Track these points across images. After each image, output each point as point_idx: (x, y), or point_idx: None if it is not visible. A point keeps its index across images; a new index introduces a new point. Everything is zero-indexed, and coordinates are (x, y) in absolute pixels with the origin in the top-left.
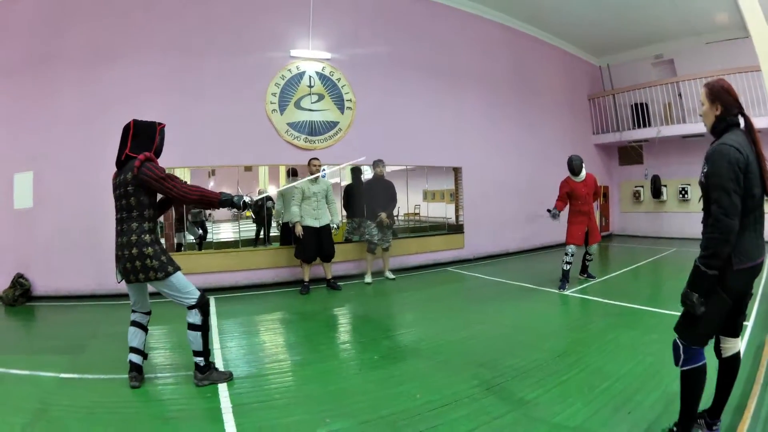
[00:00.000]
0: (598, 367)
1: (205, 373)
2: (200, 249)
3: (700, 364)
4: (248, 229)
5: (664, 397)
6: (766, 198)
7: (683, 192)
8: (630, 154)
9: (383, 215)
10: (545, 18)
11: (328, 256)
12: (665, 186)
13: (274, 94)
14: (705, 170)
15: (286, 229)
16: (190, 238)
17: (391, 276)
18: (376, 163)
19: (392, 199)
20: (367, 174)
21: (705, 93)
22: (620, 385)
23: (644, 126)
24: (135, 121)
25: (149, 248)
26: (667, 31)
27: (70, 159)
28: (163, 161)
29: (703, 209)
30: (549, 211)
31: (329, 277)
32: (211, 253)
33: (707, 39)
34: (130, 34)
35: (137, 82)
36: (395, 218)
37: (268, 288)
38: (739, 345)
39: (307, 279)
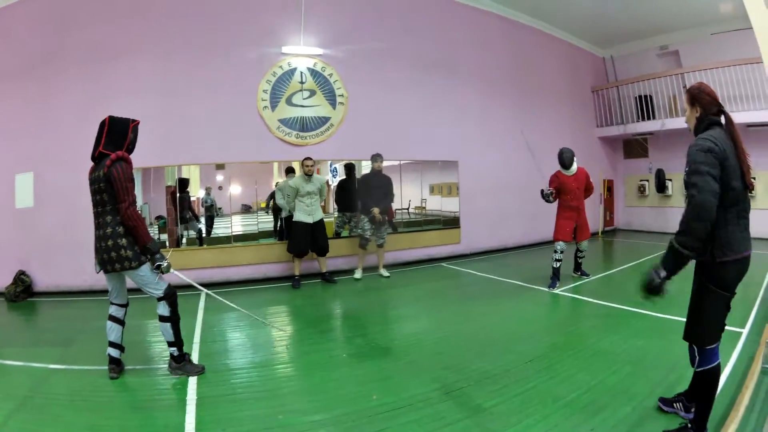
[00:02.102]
0: (569, 375)
1: (180, 363)
2: (201, 244)
3: (714, 364)
4: (243, 223)
5: (634, 414)
6: (750, 194)
7: None
8: (635, 147)
9: (376, 211)
10: (546, 9)
11: (322, 250)
12: (670, 180)
13: (265, 91)
14: (686, 168)
15: (285, 224)
16: (192, 232)
17: (386, 274)
18: (375, 158)
19: (388, 195)
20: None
21: (686, 98)
22: (588, 397)
23: (649, 118)
24: (110, 118)
25: (123, 239)
26: (672, 22)
27: (69, 159)
28: (157, 159)
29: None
30: (543, 191)
31: (324, 270)
32: (206, 249)
33: (712, 30)
34: (127, 36)
35: (133, 82)
36: (396, 212)
37: (260, 283)
38: None
39: (297, 273)
